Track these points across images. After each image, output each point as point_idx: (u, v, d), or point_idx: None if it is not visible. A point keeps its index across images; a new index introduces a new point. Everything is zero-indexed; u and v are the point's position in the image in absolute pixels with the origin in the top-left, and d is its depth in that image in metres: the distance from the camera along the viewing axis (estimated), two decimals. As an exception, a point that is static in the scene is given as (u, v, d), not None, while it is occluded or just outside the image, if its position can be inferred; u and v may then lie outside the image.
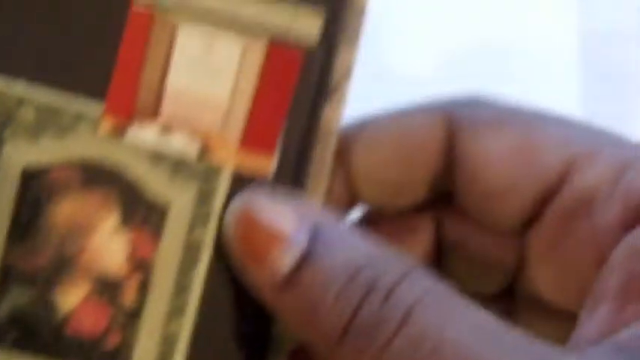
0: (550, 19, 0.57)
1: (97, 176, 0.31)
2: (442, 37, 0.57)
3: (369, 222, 0.32)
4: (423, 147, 0.31)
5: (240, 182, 0.32)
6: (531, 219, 0.29)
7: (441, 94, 0.32)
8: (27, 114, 0.31)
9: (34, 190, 0.31)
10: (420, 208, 0.31)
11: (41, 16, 0.31)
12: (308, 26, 0.32)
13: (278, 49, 0.32)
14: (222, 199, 0.31)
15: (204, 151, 0.32)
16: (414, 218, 0.32)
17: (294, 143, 0.32)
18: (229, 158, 0.32)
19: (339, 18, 0.32)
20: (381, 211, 0.32)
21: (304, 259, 0.27)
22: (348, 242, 0.27)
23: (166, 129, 0.32)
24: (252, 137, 0.32)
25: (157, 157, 0.32)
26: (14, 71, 0.31)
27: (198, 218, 0.32)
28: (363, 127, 0.32)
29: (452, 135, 0.30)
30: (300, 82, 0.32)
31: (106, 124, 0.31)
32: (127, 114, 0.31)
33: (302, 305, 0.26)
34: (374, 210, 0.32)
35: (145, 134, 0.31)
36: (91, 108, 0.31)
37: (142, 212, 0.32)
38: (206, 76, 0.32)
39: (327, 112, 0.32)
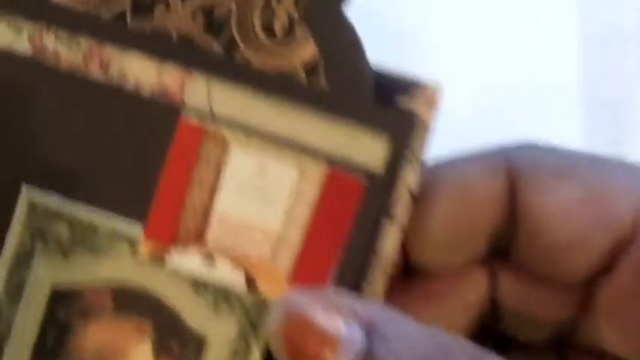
0: (549, 20, 0.55)
1: (133, 302, 0.29)
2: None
3: (418, 279, 0.30)
4: (484, 201, 0.29)
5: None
6: (601, 271, 0.27)
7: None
8: (60, 230, 0.29)
9: (63, 311, 0.29)
10: (473, 262, 0.29)
11: (79, 129, 0.28)
12: (371, 151, 0.29)
13: (337, 176, 0.28)
14: (267, 334, 0.29)
15: (251, 282, 0.29)
16: (467, 274, 0.30)
17: (349, 276, 0.29)
18: (278, 291, 0.29)
19: (405, 140, 0.29)
20: (432, 268, 0.30)
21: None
22: (410, 336, 0.25)
23: (211, 256, 0.29)
24: (304, 270, 0.29)
25: (200, 286, 0.29)
26: (50, 184, 0.28)
27: (240, 353, 0.29)
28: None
29: (514, 186, 0.28)
30: (360, 211, 0.29)
31: (146, 248, 0.28)
32: (168, 238, 0.28)
33: None
34: (423, 267, 0.30)
35: (187, 261, 0.29)
36: (130, 229, 0.28)
37: (178, 342, 0.29)
38: (257, 200, 0.28)
39: (386, 241, 0.29)
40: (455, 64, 0.52)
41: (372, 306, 0.27)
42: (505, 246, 0.29)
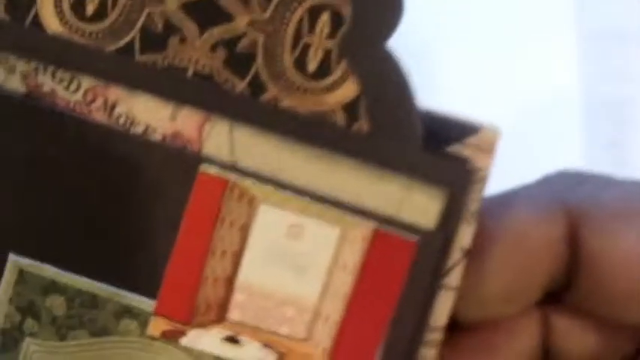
0: (549, 20, 0.54)
1: (141, 390, 0.24)
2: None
3: (466, 332, 0.27)
4: (543, 251, 0.26)
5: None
6: None
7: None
8: (55, 305, 0.24)
9: (60, 403, 0.24)
10: (526, 309, 0.27)
11: (78, 183, 0.24)
12: (423, 206, 0.24)
13: (385, 236, 0.24)
14: None
15: (282, 365, 0.24)
16: (519, 321, 0.27)
17: (397, 355, 0.24)
18: (315, 374, 0.24)
19: (461, 193, 0.24)
20: (481, 322, 0.27)
21: None
22: None
23: (236, 336, 0.24)
24: (346, 350, 0.24)
25: (223, 371, 0.24)
26: (42, 253, 0.24)
27: None
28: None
29: (573, 231, 0.26)
30: (410, 277, 0.24)
31: (157, 327, 0.24)
32: (184, 315, 0.24)
33: None
34: (472, 321, 0.27)
35: (207, 342, 0.24)
36: (139, 305, 0.24)
37: None
38: (290, 268, 0.24)
39: (440, 309, 0.24)
40: (452, 66, 0.50)
41: None
42: (560, 290, 0.27)
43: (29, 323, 0.24)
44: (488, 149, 0.25)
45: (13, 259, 0.23)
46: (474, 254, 0.25)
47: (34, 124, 0.24)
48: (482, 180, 0.24)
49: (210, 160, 0.24)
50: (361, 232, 0.24)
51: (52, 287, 0.24)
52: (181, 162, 0.23)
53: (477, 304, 0.26)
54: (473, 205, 0.24)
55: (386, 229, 0.24)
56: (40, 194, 0.23)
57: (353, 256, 0.24)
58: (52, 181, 0.23)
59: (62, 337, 0.24)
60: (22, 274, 0.24)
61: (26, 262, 0.24)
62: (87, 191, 0.23)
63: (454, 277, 0.24)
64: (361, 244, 0.24)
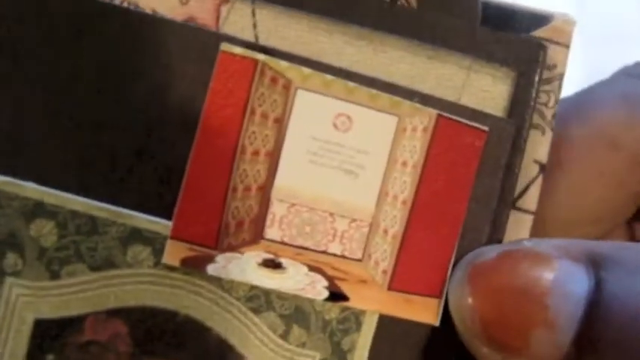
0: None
1: (159, 333, 0.18)
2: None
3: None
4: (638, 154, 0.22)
5: (393, 336, 0.19)
6: None
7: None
8: (43, 232, 0.18)
9: (55, 354, 0.18)
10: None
11: (67, 69, 0.19)
12: (491, 92, 0.20)
13: (450, 127, 0.19)
14: (364, 357, 0.19)
15: (335, 292, 0.19)
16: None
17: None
18: (375, 301, 0.19)
19: (531, 76, 0.20)
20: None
21: (596, 299, 0.17)
22: None
23: (275, 258, 0.19)
24: (410, 267, 0.19)
25: (260, 304, 0.19)
26: (24, 168, 0.18)
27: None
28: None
29: None
30: (479, 178, 0.19)
31: (174, 254, 0.18)
32: (209, 236, 0.18)
33: None
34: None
35: (239, 269, 0.19)
36: (151, 227, 0.18)
37: (231, 395, 0.19)
38: (339, 170, 0.19)
39: (512, 231, 0.20)
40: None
41: (592, 242, 0.18)
42: None
43: (10, 259, 0.18)
44: (563, 41, 0.20)
45: (-15, 177, 0.18)
46: (554, 169, 0.21)
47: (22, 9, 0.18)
48: (559, 77, 0.20)
49: (233, 39, 0.19)
50: (422, 120, 0.19)
51: (38, 210, 0.18)
52: (198, 41, 0.18)
53: (560, 228, 0.22)
54: (549, 110, 0.20)
55: (450, 117, 0.19)
56: (11, 88, 0.18)
57: (413, 150, 0.19)
58: (29, 71, 0.18)
59: (54, 275, 0.18)
60: (-3, 196, 0.18)
61: (2, 180, 0.18)
62: (76, 83, 0.18)
63: (530, 199, 0.20)
64: (422, 135, 0.19)
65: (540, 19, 0.20)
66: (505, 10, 0.20)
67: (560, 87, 0.20)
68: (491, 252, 0.18)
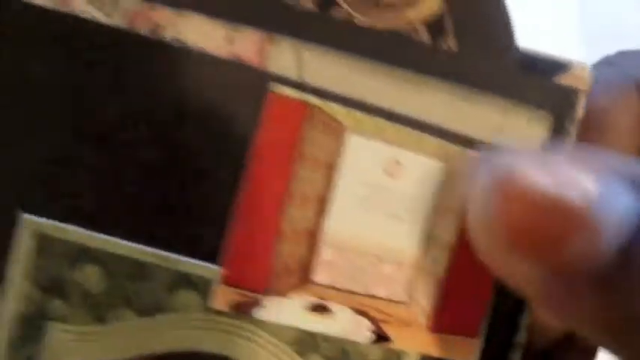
0: (550, 20, 0.54)
1: (205, 382, 0.18)
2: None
3: None
4: (625, 128, 0.23)
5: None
6: None
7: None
8: (89, 278, 0.18)
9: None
10: None
11: (115, 111, 0.18)
12: (528, 133, 0.20)
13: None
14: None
15: (380, 334, 0.19)
16: None
17: (504, 314, 0.20)
18: (417, 342, 0.19)
19: (565, 120, 0.20)
20: None
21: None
22: None
23: (322, 302, 0.19)
24: (453, 310, 0.19)
25: (307, 347, 0.19)
26: (65, 211, 0.18)
27: None
28: None
29: None
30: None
31: (223, 298, 0.18)
32: (257, 281, 0.18)
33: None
34: None
35: (287, 313, 0.18)
36: (200, 272, 0.18)
37: None
38: (387, 215, 0.19)
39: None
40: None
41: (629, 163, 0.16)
42: None
43: (55, 304, 0.18)
44: (581, 87, 0.21)
45: (28, 221, 0.18)
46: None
47: (59, 39, 0.18)
48: (578, 122, 0.21)
49: (282, 79, 0.19)
50: (466, 163, 0.19)
51: (83, 255, 0.18)
52: (246, 80, 0.18)
53: None
54: (573, 134, 0.21)
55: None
56: (59, 128, 0.18)
57: (457, 195, 0.19)
58: (76, 111, 0.18)
59: (100, 319, 0.18)
60: (41, 240, 0.18)
61: (46, 224, 0.18)
62: (123, 124, 0.18)
63: None
64: (467, 180, 0.19)
65: (560, 66, 0.21)
66: (529, 55, 0.21)
67: (576, 129, 0.21)
68: (522, 155, 0.16)
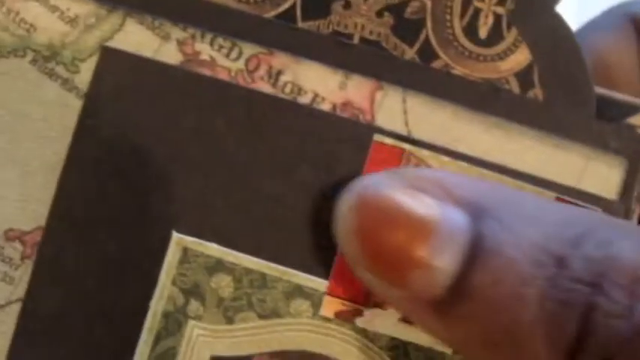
0: None
1: (313, 376, 0.22)
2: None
3: None
4: (627, 64, 0.26)
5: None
6: None
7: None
8: (222, 285, 0.22)
9: (226, 391, 0.22)
10: None
11: (242, 157, 0.22)
12: (605, 178, 0.22)
13: (569, 208, 0.22)
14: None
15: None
16: None
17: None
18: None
19: (638, 169, 0.23)
20: None
21: (473, 252, 0.18)
22: (532, 216, 0.18)
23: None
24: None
25: (403, 354, 0.22)
26: (206, 231, 0.22)
27: None
28: None
29: None
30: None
31: (330, 308, 0.22)
32: (358, 294, 0.22)
33: (483, 316, 0.17)
34: None
35: (382, 322, 0.22)
36: (310, 284, 0.22)
37: None
38: (470, 243, 0.22)
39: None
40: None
41: (479, 184, 0.19)
42: None
43: (193, 305, 0.22)
44: None
45: (177, 237, 0.22)
46: None
47: (196, 95, 0.22)
48: None
49: (384, 131, 0.22)
50: (545, 204, 0.22)
51: (218, 267, 0.22)
52: (354, 132, 0.22)
53: None
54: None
55: (568, 199, 0.22)
56: (204, 168, 0.22)
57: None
58: (217, 155, 0.22)
59: (229, 320, 0.22)
60: (186, 253, 0.22)
61: (190, 241, 0.22)
62: (253, 165, 0.22)
63: None
64: (544, 216, 0.22)
65: (633, 108, 0.23)
66: (604, 98, 0.23)
67: None
68: (381, 181, 0.18)
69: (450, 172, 0.20)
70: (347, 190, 0.19)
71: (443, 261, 0.18)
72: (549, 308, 0.17)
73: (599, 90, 0.23)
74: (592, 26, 0.26)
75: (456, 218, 0.18)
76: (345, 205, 0.19)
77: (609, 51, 0.25)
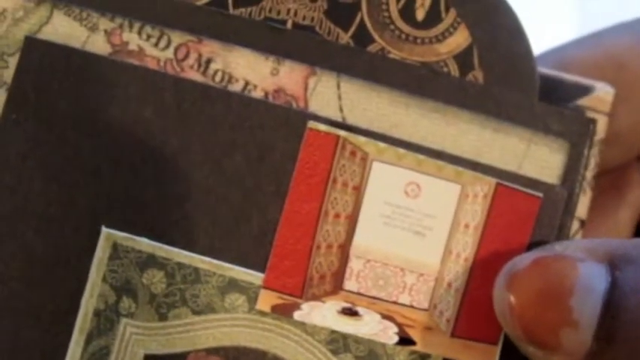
0: (550, 17, 0.53)
1: (251, 372, 0.21)
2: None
3: None
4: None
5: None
6: None
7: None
8: (154, 282, 0.21)
9: (162, 390, 0.21)
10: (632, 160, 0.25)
11: (172, 147, 0.21)
12: (546, 162, 0.22)
13: (508, 194, 0.21)
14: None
15: (405, 337, 0.21)
16: (627, 170, 0.25)
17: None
18: (439, 346, 0.21)
19: (582, 147, 0.22)
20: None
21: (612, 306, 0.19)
22: None
23: (353, 307, 0.21)
24: (473, 316, 0.22)
25: (340, 347, 0.21)
26: (137, 225, 0.21)
27: None
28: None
29: None
30: (534, 235, 0.22)
31: (266, 301, 0.21)
32: (296, 287, 0.21)
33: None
34: None
35: (321, 315, 0.21)
36: (247, 278, 0.21)
37: (311, 423, 0.21)
38: (409, 231, 0.21)
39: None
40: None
41: (610, 241, 0.20)
42: None
43: (125, 303, 0.21)
44: (604, 110, 0.22)
45: (106, 233, 0.21)
46: None
47: (124, 85, 0.21)
48: (600, 143, 0.22)
49: (318, 117, 0.21)
50: (482, 188, 0.21)
51: (150, 262, 0.21)
52: (287, 120, 0.21)
53: None
54: (590, 172, 0.22)
55: (508, 185, 0.21)
56: (133, 160, 0.21)
57: (474, 214, 0.21)
58: (146, 146, 0.21)
59: (162, 317, 0.21)
60: (116, 248, 0.21)
61: (120, 236, 0.21)
62: (184, 155, 0.21)
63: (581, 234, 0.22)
64: (483, 201, 0.21)
65: (584, 89, 0.22)
66: (553, 80, 0.22)
67: (600, 152, 0.22)
68: (527, 259, 0.19)
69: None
70: (500, 275, 0.20)
71: (586, 314, 0.19)
72: None
73: (548, 71, 0.23)
74: (614, 27, 0.25)
75: (594, 270, 0.19)
76: (499, 287, 0.20)
77: (624, 52, 0.24)
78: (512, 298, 0.19)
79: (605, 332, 0.19)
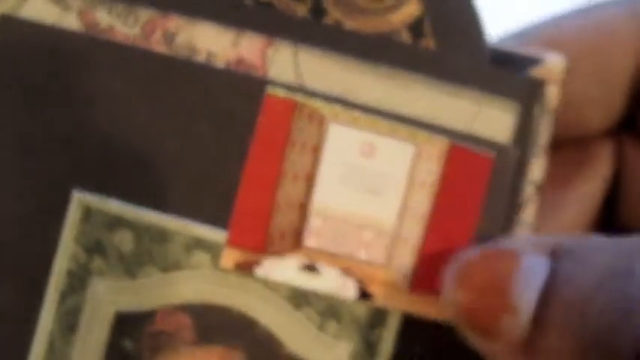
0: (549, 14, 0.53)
1: (217, 326, 0.22)
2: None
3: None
4: (621, 50, 0.25)
5: (414, 331, 0.22)
6: None
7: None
8: (123, 241, 0.22)
9: (130, 344, 0.22)
10: (600, 133, 0.26)
11: (141, 116, 0.22)
12: (498, 122, 0.23)
13: (461, 154, 0.22)
14: (388, 352, 0.22)
15: (364, 292, 0.22)
16: (592, 144, 0.26)
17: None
18: (397, 300, 0.22)
19: (533, 107, 0.23)
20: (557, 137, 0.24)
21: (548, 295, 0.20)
22: (596, 247, 0.20)
23: (312, 263, 0.22)
24: (428, 272, 0.22)
25: (300, 301, 0.22)
26: (106, 187, 0.22)
27: (354, 384, 0.22)
28: (543, 31, 0.25)
29: None
30: (488, 194, 0.22)
31: (229, 258, 0.22)
32: (257, 244, 0.22)
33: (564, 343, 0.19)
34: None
35: (283, 271, 0.22)
36: (210, 236, 0.22)
37: (276, 376, 0.22)
38: (365, 189, 0.22)
39: (523, 228, 0.23)
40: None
41: (555, 236, 0.21)
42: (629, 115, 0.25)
43: (96, 262, 0.22)
44: (555, 80, 0.23)
45: (78, 196, 0.22)
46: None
47: (95, 60, 0.22)
48: (552, 112, 0.23)
49: (277, 83, 0.22)
50: (436, 148, 0.22)
51: (119, 222, 0.22)
52: (247, 87, 0.22)
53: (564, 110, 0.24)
54: (542, 137, 0.23)
55: (461, 145, 0.22)
56: (105, 128, 0.22)
57: (429, 173, 0.22)
58: (118, 115, 0.22)
59: (132, 275, 0.22)
60: (87, 211, 0.22)
61: (91, 198, 0.22)
62: (153, 123, 0.22)
63: (529, 214, 0.23)
64: (437, 160, 0.22)
65: (534, 61, 0.23)
66: (503, 53, 0.23)
67: (553, 119, 0.23)
68: (473, 252, 0.20)
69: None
70: (450, 265, 0.21)
71: (524, 300, 0.20)
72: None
73: (499, 44, 0.24)
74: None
75: (534, 262, 0.20)
76: (448, 277, 0.21)
77: (604, 36, 0.25)
78: (459, 289, 0.20)
79: (542, 319, 0.20)
